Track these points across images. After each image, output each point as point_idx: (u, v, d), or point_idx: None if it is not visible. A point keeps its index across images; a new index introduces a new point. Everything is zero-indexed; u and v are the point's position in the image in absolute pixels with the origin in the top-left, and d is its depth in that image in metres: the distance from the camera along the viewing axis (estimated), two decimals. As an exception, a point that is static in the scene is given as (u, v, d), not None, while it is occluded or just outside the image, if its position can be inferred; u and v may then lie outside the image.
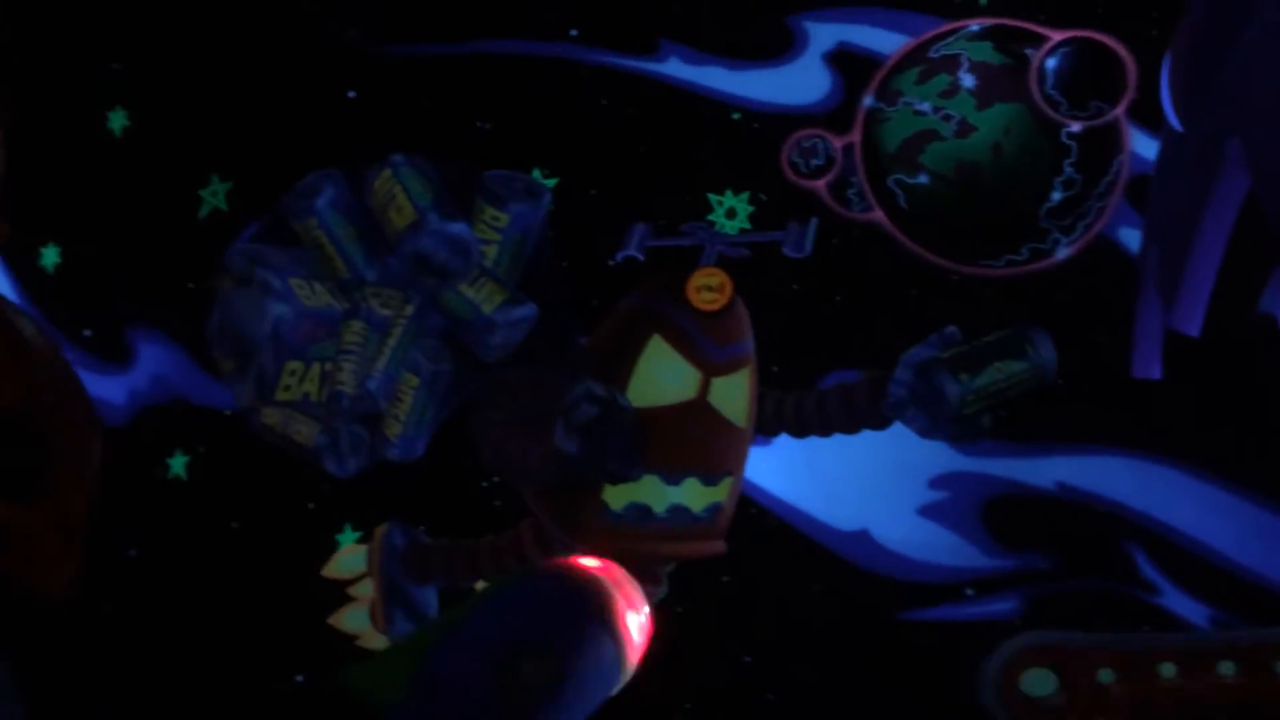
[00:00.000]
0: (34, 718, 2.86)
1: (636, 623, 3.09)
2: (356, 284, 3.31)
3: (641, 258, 3.61)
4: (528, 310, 3.29)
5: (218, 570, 4.11)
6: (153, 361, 3.74)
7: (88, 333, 3.96)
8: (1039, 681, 2.92)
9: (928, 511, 4.32)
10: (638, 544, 3.30)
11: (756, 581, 4.10)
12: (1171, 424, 4.25)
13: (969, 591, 4.19)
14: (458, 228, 3.26)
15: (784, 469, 4.06)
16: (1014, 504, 4.35)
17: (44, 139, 4.06)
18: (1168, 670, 2.91)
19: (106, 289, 4.15)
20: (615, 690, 3.07)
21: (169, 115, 4.23)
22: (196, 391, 3.89)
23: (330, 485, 3.35)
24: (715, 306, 3.33)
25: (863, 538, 4.25)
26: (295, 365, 3.27)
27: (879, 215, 4.39)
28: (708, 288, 3.34)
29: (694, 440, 3.31)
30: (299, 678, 4.02)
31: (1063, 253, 4.45)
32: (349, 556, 3.44)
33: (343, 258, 3.29)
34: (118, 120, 4.28)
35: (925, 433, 3.41)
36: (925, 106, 4.33)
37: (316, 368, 3.27)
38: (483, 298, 3.27)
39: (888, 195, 4.45)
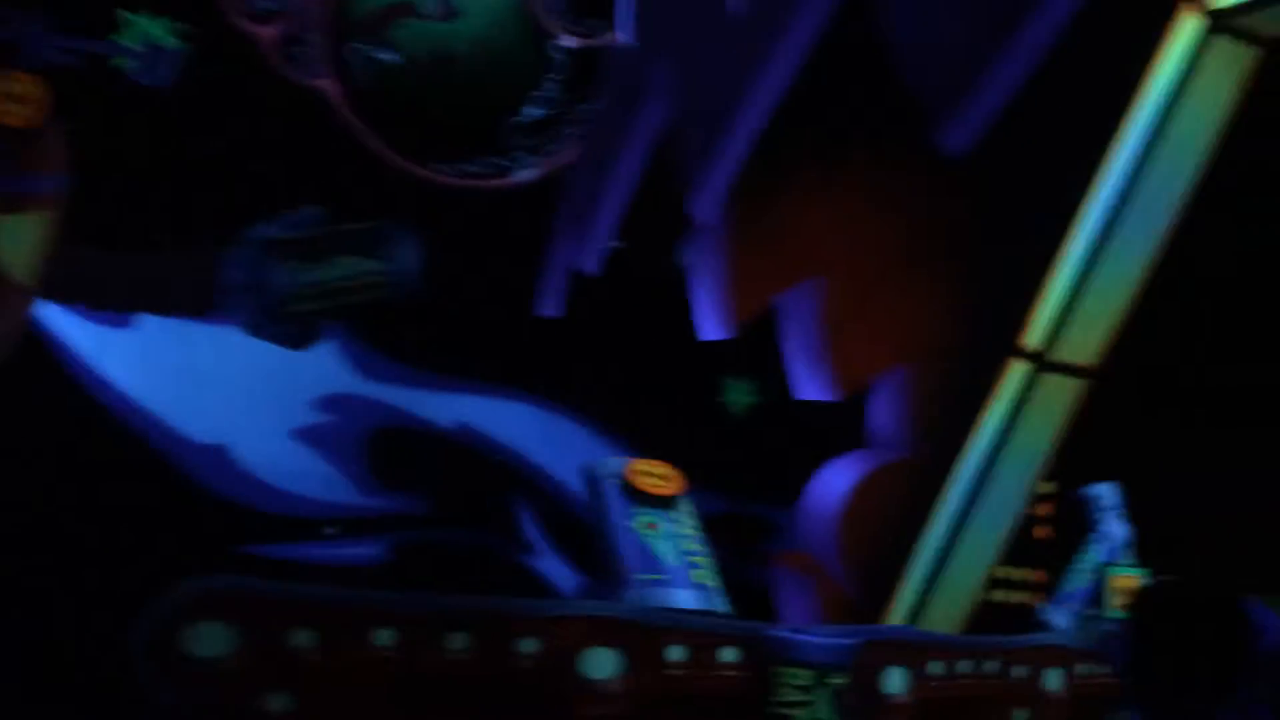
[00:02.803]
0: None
1: None
2: None
3: None
4: None
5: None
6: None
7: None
8: (211, 638, 2.32)
9: (304, 435, 3.76)
10: None
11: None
12: (577, 373, 3.93)
13: (330, 530, 3.67)
14: None
15: (136, 355, 3.41)
16: (404, 439, 3.87)
17: None
18: (385, 638, 2.39)
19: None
20: None
21: None
22: None
23: None
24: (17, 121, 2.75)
25: (219, 454, 3.65)
26: None
27: (326, 84, 3.88)
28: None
29: None
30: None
31: (523, 175, 4.04)
32: None
33: None
34: None
35: (252, 329, 2.84)
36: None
37: None
38: None
39: (343, 66, 3.97)
